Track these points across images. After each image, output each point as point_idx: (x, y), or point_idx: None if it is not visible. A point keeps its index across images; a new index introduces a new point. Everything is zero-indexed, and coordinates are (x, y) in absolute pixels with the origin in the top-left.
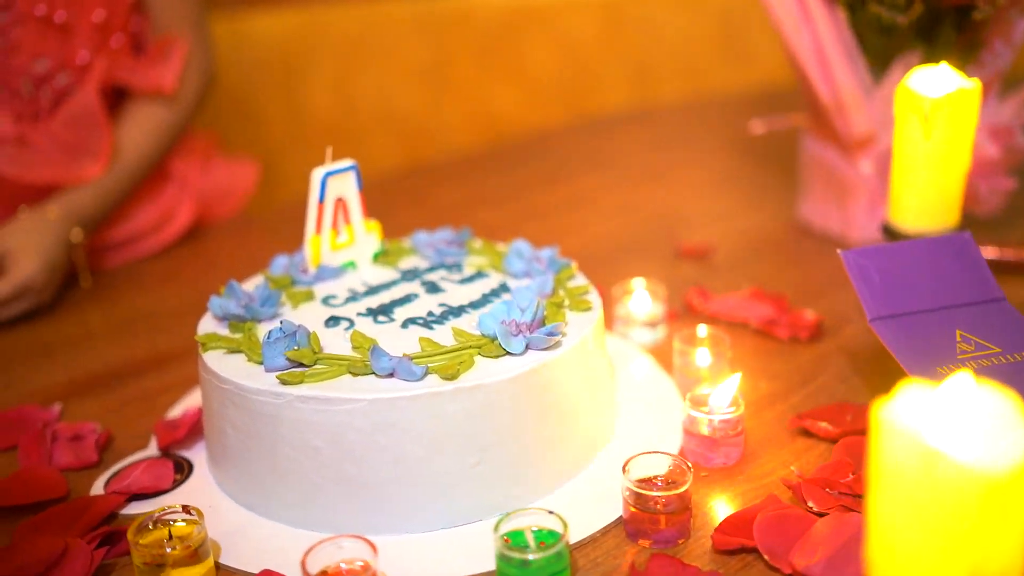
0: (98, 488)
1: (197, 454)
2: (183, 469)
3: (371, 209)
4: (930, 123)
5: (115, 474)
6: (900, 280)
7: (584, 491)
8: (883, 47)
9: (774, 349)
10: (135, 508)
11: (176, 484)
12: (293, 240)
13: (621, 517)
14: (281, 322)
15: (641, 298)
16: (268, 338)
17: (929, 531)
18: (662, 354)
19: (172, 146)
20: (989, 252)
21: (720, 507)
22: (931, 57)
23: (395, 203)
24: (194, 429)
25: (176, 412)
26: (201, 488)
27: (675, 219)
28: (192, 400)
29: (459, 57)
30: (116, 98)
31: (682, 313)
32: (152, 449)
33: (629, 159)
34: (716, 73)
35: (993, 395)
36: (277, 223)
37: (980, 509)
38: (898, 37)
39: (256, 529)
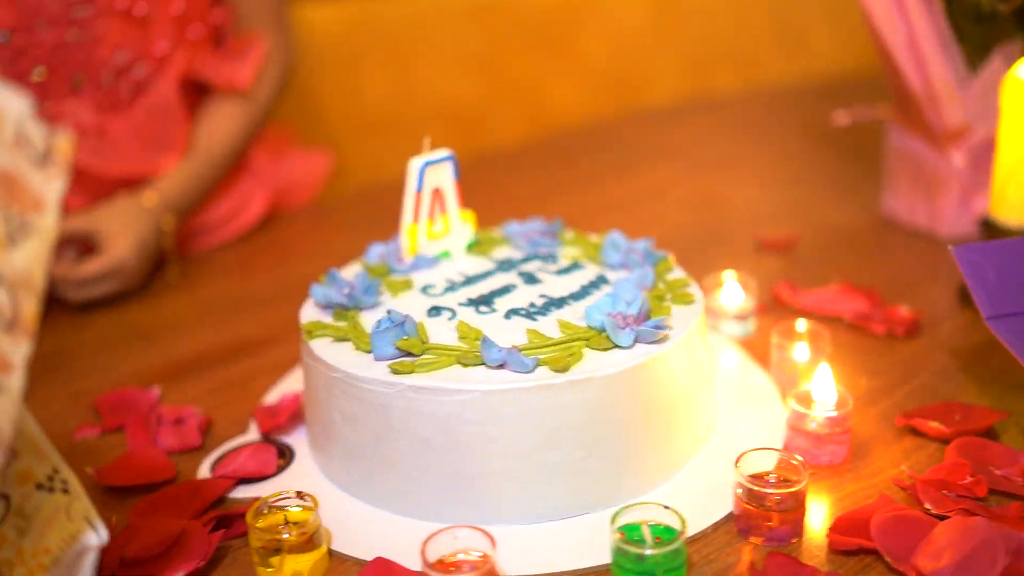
0: (204, 471)
1: (297, 440)
2: (286, 455)
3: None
4: None
5: (220, 458)
6: (1017, 277)
7: (690, 486)
8: (981, 36)
9: (870, 345)
10: (242, 492)
11: (280, 470)
12: (363, 228)
13: (730, 514)
14: (389, 312)
15: (732, 291)
16: (377, 327)
17: None
18: (752, 347)
19: (252, 137)
20: None
21: (830, 506)
22: None
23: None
24: (294, 415)
25: (271, 398)
26: (305, 474)
27: (753, 211)
28: (286, 386)
29: (513, 48)
30: (197, 92)
31: (770, 306)
32: (252, 434)
33: (696, 150)
34: (770, 63)
35: None
36: (344, 211)
37: None
38: (998, 26)
39: (364, 517)
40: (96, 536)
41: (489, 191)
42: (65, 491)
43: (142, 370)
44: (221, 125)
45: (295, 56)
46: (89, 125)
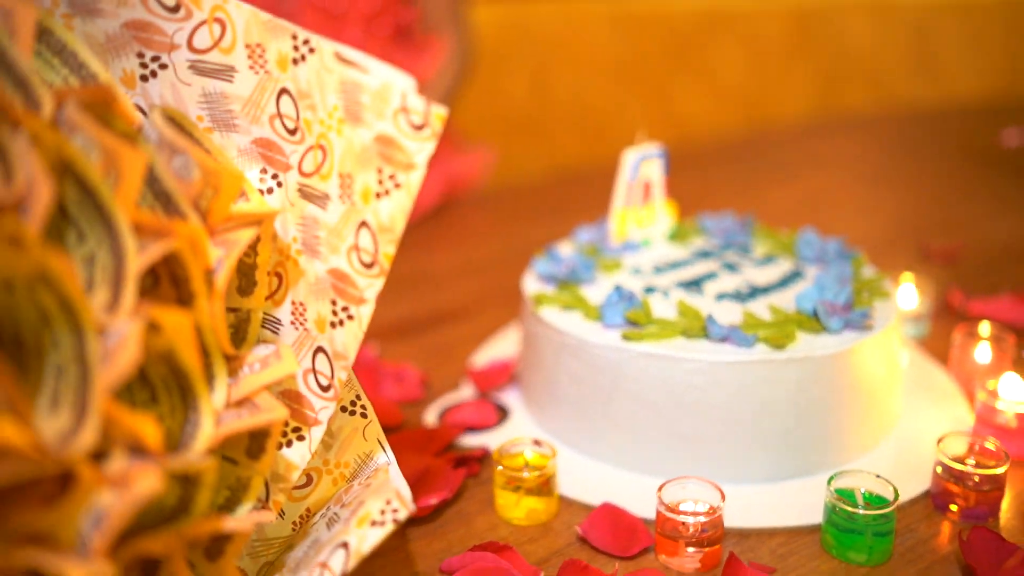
0: (430, 420)
1: (510, 399)
2: (503, 412)
3: (603, 197)
4: None
5: (445, 410)
6: None
7: (884, 462)
8: None
9: None
10: (467, 440)
11: (500, 422)
12: (525, 217)
13: (926, 491)
14: (618, 287)
15: (909, 293)
16: (609, 300)
17: None
18: (926, 347)
19: None
20: None
21: (1016, 495)
22: None
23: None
24: (509, 377)
25: (481, 361)
26: (524, 428)
27: (916, 222)
28: (491, 352)
29: (650, 57)
30: None
31: (941, 311)
32: (467, 392)
33: (848, 163)
34: (902, 85)
35: None
36: (498, 202)
37: None
38: None
39: (588, 467)
40: (385, 456)
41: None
42: (364, 415)
43: None
44: None
45: (473, 56)
46: None
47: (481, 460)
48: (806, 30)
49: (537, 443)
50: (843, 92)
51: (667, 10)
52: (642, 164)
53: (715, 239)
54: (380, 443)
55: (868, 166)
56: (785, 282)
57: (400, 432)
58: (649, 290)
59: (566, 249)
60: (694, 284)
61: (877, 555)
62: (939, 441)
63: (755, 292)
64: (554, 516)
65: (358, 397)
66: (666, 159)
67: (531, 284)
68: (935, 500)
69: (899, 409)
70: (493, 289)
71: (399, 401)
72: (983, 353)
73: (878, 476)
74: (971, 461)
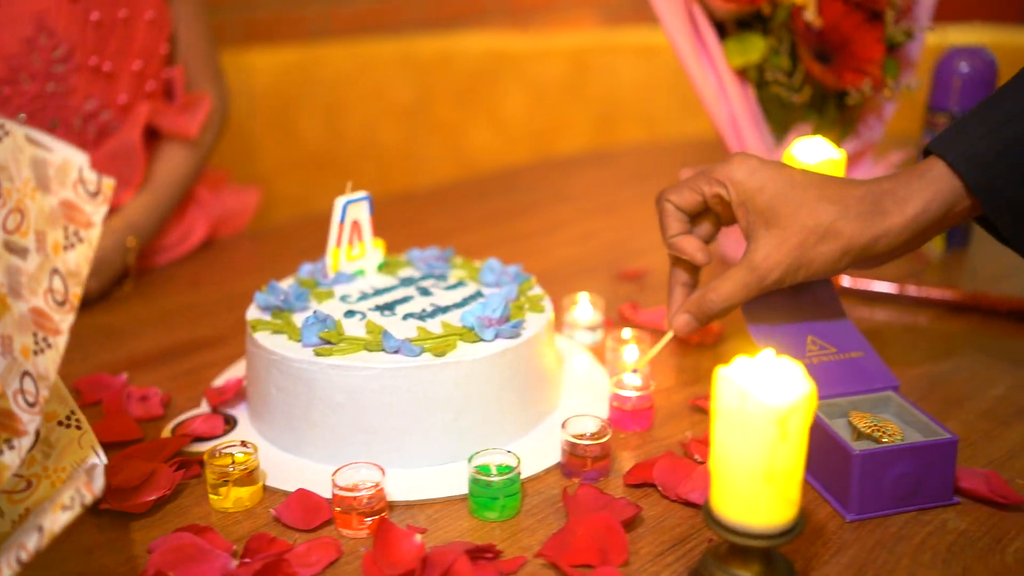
0: (167, 433)
1: (239, 412)
2: (231, 422)
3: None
4: None
5: (178, 424)
6: (774, 303)
7: (535, 443)
8: (783, 117)
9: (683, 351)
10: (197, 448)
11: (226, 432)
12: (293, 251)
13: (559, 462)
14: (315, 311)
15: (584, 307)
16: (307, 322)
17: (743, 445)
18: (599, 352)
19: (197, 176)
20: (883, 286)
21: (633, 459)
22: (820, 127)
23: (391, 225)
24: (237, 394)
25: (220, 381)
26: (246, 435)
27: (622, 247)
28: (231, 373)
29: (439, 96)
30: (150, 136)
31: (617, 321)
32: (204, 408)
33: (591, 194)
34: (671, 121)
35: (788, 363)
36: (276, 238)
37: (773, 430)
38: (794, 111)
39: (292, 463)
40: (98, 459)
41: (409, 224)
42: (79, 427)
43: (111, 362)
44: (174, 165)
45: (228, 109)
46: None
47: (203, 463)
48: (583, 70)
49: (244, 444)
50: (618, 128)
51: (453, 51)
52: (350, 207)
53: (420, 269)
54: (94, 449)
55: (606, 197)
56: (464, 302)
57: (137, 445)
58: (349, 313)
59: (288, 281)
60: (388, 307)
61: (507, 511)
62: (563, 424)
63: (436, 312)
64: (258, 503)
65: (72, 412)
66: (370, 203)
67: (252, 312)
68: (564, 469)
69: (556, 400)
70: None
71: (141, 419)
72: (630, 353)
73: (508, 451)
74: (587, 436)
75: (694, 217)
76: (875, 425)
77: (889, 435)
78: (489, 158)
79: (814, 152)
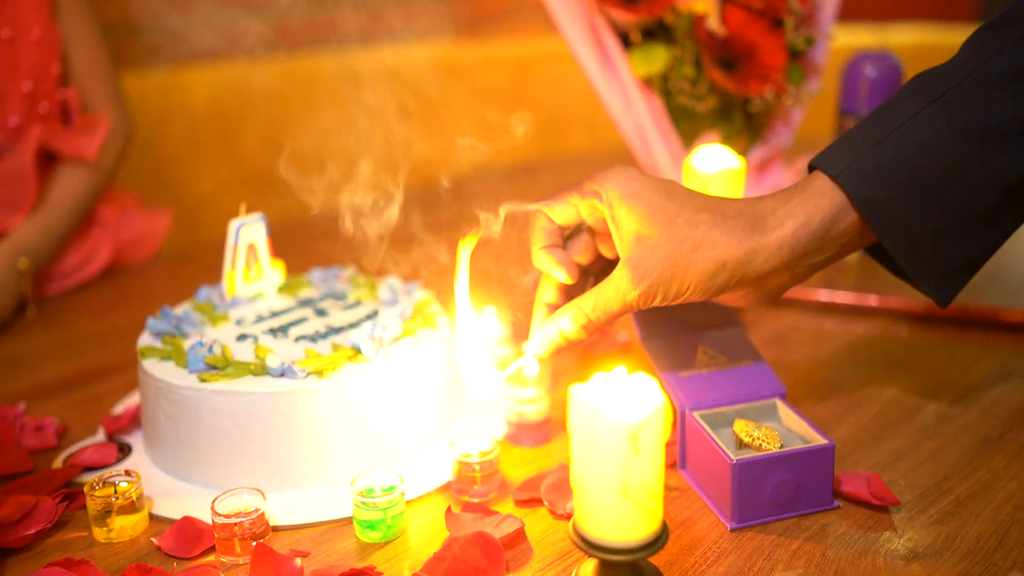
0: (58, 464)
1: (136, 440)
2: (125, 450)
3: (284, 251)
4: None
5: (71, 454)
6: (666, 312)
7: (426, 462)
8: (691, 127)
9: (587, 360)
10: (88, 477)
11: (119, 460)
12: (206, 274)
13: (451, 481)
14: (201, 337)
15: (492, 321)
16: (192, 348)
17: (598, 462)
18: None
19: (97, 198)
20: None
21: (526, 475)
22: (728, 135)
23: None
24: (134, 421)
25: (119, 409)
26: (138, 463)
27: None
28: (130, 401)
29: (385, 107)
30: (46, 159)
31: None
32: (100, 436)
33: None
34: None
35: (643, 378)
36: (187, 261)
37: (625, 445)
38: (701, 120)
39: (181, 490)
40: None
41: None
42: None
43: (9, 392)
44: (70, 187)
45: (132, 128)
46: None
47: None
48: (528, 79)
49: (128, 473)
50: (565, 134)
51: (397, 64)
52: (243, 230)
53: (320, 289)
54: None
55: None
56: (359, 322)
57: (27, 476)
58: (242, 337)
59: (184, 306)
60: (282, 330)
61: (391, 532)
62: (451, 442)
63: (329, 333)
64: (141, 532)
65: None
66: (266, 224)
67: (144, 339)
68: (453, 487)
69: (451, 418)
70: None
71: (35, 449)
72: (530, 366)
73: (392, 472)
74: (475, 455)
75: (570, 236)
76: (756, 435)
77: (769, 443)
78: (434, 170)
79: (713, 161)
